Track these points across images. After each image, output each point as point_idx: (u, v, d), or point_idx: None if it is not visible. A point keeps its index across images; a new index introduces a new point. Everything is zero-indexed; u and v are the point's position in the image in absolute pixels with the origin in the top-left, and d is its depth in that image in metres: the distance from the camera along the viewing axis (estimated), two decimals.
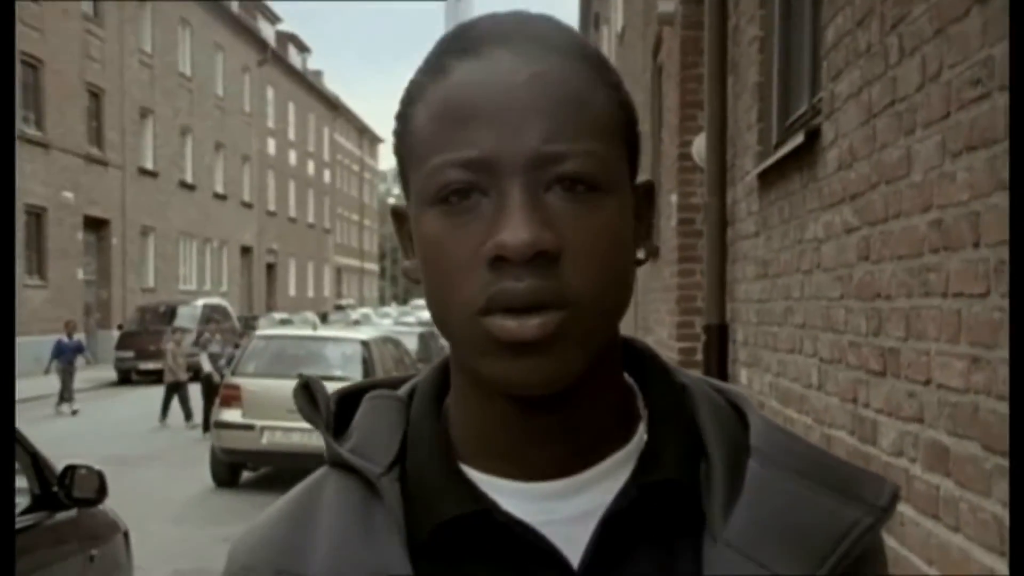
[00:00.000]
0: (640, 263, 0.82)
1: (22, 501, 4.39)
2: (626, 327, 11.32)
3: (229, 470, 11.92)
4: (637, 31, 14.57)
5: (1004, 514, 2.20)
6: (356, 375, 11.66)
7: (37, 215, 26.51)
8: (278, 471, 12.16)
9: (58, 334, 20.28)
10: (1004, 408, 2.19)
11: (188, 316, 27.75)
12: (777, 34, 4.92)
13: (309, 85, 55.59)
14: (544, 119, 0.73)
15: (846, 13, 3.43)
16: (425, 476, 0.81)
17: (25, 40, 24.92)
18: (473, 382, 0.80)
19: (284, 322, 33.11)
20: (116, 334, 27.80)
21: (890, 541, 2.98)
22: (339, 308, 52.08)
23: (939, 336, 2.57)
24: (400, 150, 0.81)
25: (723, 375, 6.00)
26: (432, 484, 0.80)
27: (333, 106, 61.27)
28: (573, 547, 0.77)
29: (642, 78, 12.63)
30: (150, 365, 25.95)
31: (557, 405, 0.77)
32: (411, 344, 15.93)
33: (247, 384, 11.69)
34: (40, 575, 4.23)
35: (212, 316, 28.21)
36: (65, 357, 18.97)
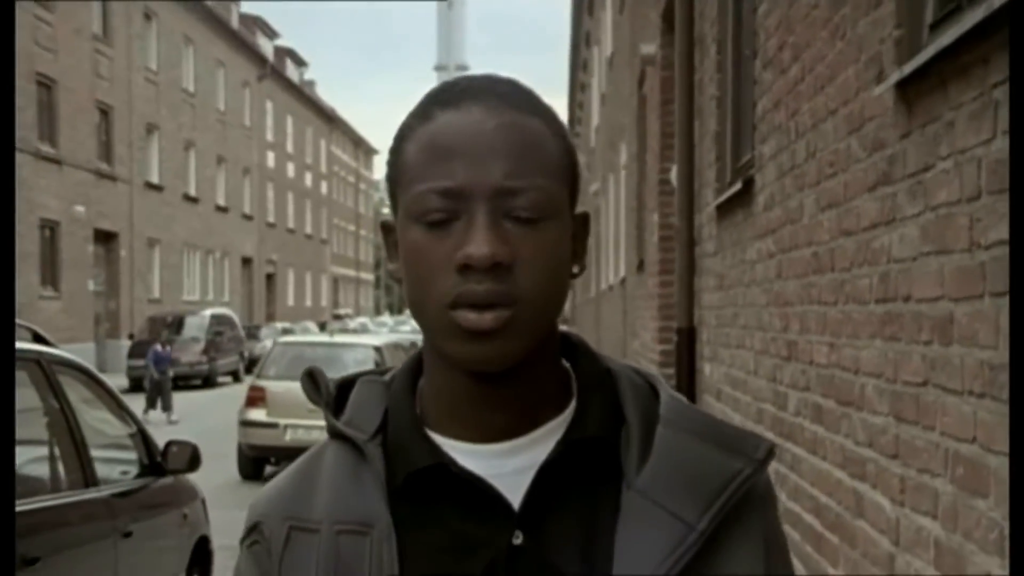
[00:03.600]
0: (575, 276, 1.02)
1: (133, 469, 5.59)
2: (616, 332, 12.46)
3: (253, 464, 13.07)
4: (624, 58, 15.73)
5: (847, 443, 3.42)
6: None
7: (51, 228, 27.57)
8: None
9: (75, 344, 21.19)
10: (847, 375, 3.42)
11: (196, 326, 28.82)
12: (730, 96, 6.15)
13: (306, 98, 56.86)
14: (505, 160, 0.93)
15: (768, 96, 4.68)
16: (400, 439, 1.01)
17: (40, 61, 26.12)
18: (441, 361, 0.99)
19: (287, 331, 34.26)
20: (124, 343, 28.86)
21: (790, 475, 4.22)
22: (337, 318, 53.23)
23: (816, 330, 3.81)
24: (392, 176, 1.00)
25: (692, 370, 7.24)
26: (405, 444, 1.01)
27: (329, 119, 62.52)
28: (515, 494, 0.96)
29: (629, 101, 13.70)
30: None
31: (504, 380, 0.96)
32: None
33: (271, 386, 12.85)
34: (150, 525, 5.40)
35: (219, 326, 29.40)
36: (160, 367, 19.67)
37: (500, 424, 0.99)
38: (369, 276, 78.05)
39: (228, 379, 29.54)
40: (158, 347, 20.47)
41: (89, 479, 4.81)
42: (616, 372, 1.05)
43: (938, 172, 2.51)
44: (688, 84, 7.33)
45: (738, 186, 5.23)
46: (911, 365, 2.74)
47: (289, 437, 12.58)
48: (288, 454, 12.95)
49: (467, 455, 0.98)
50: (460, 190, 0.92)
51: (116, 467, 5.55)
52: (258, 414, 12.76)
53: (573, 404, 1.02)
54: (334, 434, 1.06)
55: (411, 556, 0.97)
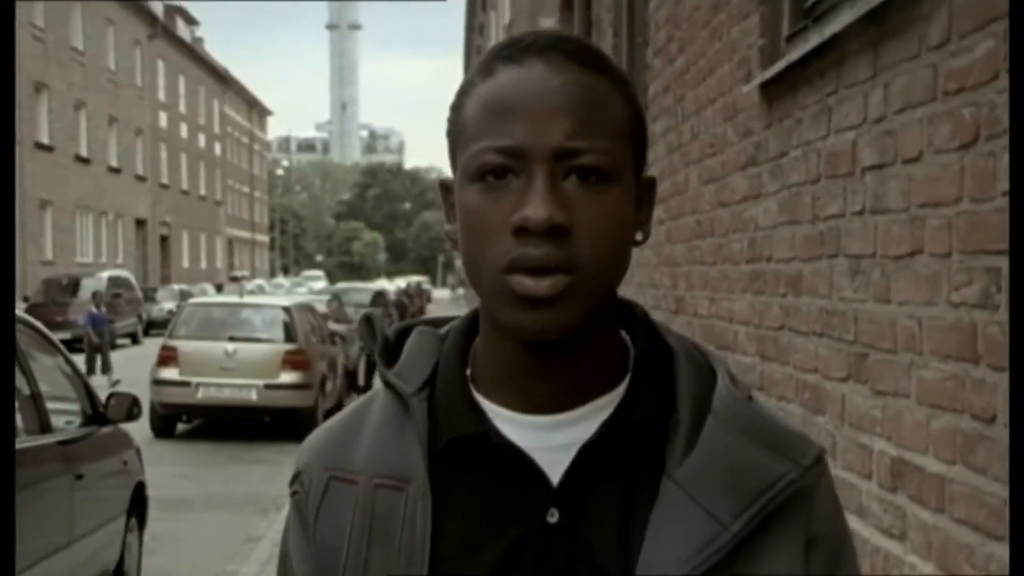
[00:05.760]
0: (638, 244, 1.01)
1: (77, 419, 6.03)
2: None
3: (165, 422, 13.39)
4: (523, 28, 16.30)
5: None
6: (279, 337, 13.26)
7: None
8: (210, 422, 13.73)
9: None
10: (723, 324, 4.07)
11: (93, 288, 28.69)
12: None
13: (198, 58, 56.09)
14: (568, 119, 0.91)
15: (658, 81, 5.30)
16: (446, 399, 1.00)
17: None
18: (494, 326, 0.98)
19: (185, 294, 34.18)
20: (19, 306, 28.58)
21: None
22: (234, 280, 52.97)
23: (699, 287, 4.46)
24: (451, 133, 0.99)
25: None
26: (450, 406, 1.00)
27: (222, 79, 61.72)
28: (556, 471, 0.95)
29: None
30: (57, 335, 26.89)
31: (557, 350, 0.95)
32: (323, 310, 17.61)
33: (182, 346, 13.21)
34: (97, 468, 5.85)
35: (117, 288, 29.29)
36: (97, 329, 19.24)
37: (549, 395, 0.97)
38: (264, 238, 77.44)
39: (126, 341, 29.48)
40: (93, 309, 19.99)
41: (44, 426, 5.27)
42: (676, 350, 1.01)
43: (791, 158, 3.15)
44: None
45: None
46: (772, 313, 3.40)
47: (201, 395, 12.96)
48: (200, 411, 13.39)
49: (512, 424, 0.97)
50: (519, 149, 0.91)
51: (63, 416, 5.98)
52: (170, 373, 13.09)
53: (626, 382, 0.99)
54: (386, 383, 1.05)
55: (444, 520, 0.96)
